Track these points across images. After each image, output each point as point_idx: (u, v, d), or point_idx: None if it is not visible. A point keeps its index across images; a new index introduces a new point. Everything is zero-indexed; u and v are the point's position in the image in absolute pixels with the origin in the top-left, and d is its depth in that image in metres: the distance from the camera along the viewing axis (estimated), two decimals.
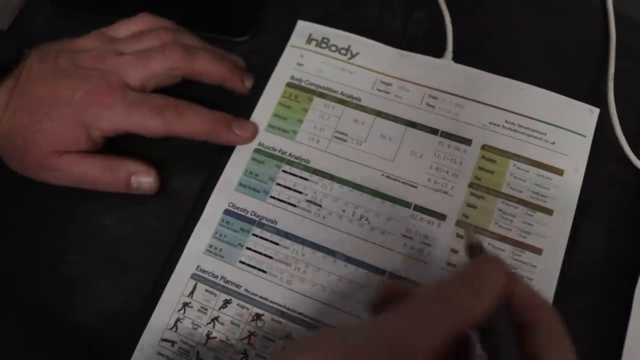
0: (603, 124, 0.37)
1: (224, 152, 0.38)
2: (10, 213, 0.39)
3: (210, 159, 0.38)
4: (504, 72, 0.38)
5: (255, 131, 0.38)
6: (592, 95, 0.38)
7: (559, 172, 0.36)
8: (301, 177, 0.37)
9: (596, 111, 0.37)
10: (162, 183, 0.38)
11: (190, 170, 0.39)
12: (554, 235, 0.34)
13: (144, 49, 0.37)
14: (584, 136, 0.36)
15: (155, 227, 0.38)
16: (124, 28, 0.39)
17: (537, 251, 0.34)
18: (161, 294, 0.35)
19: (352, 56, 0.40)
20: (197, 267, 0.35)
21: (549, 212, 0.35)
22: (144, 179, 0.37)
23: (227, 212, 0.36)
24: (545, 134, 0.37)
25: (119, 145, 0.38)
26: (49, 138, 0.35)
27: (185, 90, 0.38)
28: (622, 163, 0.36)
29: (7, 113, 0.36)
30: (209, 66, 0.38)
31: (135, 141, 0.37)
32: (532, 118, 0.37)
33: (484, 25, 0.41)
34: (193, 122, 0.36)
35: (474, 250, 0.26)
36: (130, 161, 0.37)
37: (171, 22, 0.40)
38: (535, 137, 0.37)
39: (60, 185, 0.37)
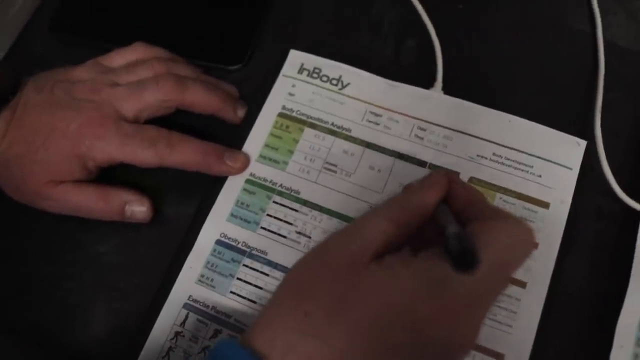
0: (590, 156, 0.37)
1: (216, 182, 0.39)
2: (7, 238, 0.40)
3: (204, 188, 0.39)
4: (493, 104, 0.39)
5: (247, 162, 0.38)
6: (580, 126, 0.38)
7: (545, 205, 0.36)
8: (291, 209, 0.37)
9: (583, 144, 0.37)
10: (156, 211, 0.39)
11: (184, 198, 0.39)
12: (538, 268, 0.35)
13: (138, 81, 0.38)
14: (570, 169, 0.37)
15: (149, 255, 0.38)
16: (119, 57, 0.40)
17: (522, 284, 0.34)
18: (154, 322, 0.36)
19: (343, 86, 0.40)
20: (189, 297, 0.36)
21: (534, 245, 0.35)
22: (138, 208, 0.38)
23: (218, 242, 0.37)
24: (532, 166, 0.37)
25: (113, 174, 0.38)
26: (44, 168, 0.36)
27: (179, 118, 0.39)
28: (608, 196, 0.37)
29: (4, 144, 0.37)
30: (201, 97, 0.38)
31: (130, 169, 0.37)
32: (519, 151, 0.37)
33: (474, 56, 0.42)
34: (185, 154, 0.37)
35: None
36: (124, 190, 0.38)
37: (165, 51, 0.41)
38: (522, 170, 0.37)
39: (57, 213, 0.38)
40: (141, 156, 0.36)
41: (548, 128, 0.38)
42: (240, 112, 0.40)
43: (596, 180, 0.37)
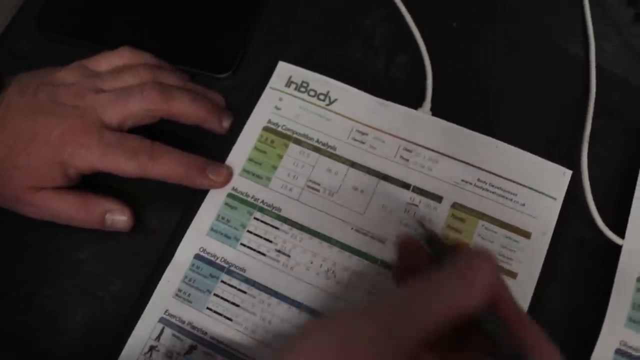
0: (575, 186, 0.37)
1: (198, 195, 0.38)
2: None
3: (187, 199, 0.39)
4: (481, 127, 0.38)
5: (229, 176, 0.38)
6: (567, 154, 0.38)
7: (527, 234, 0.36)
8: (272, 226, 0.37)
9: (568, 173, 0.37)
10: (138, 220, 0.38)
11: (167, 209, 0.39)
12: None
13: (123, 88, 0.37)
14: (555, 199, 0.37)
15: (129, 265, 0.38)
16: (105, 61, 0.39)
17: None
18: (129, 335, 0.35)
19: (331, 102, 0.40)
20: (166, 311, 0.36)
21: (513, 275, 0.35)
22: (118, 217, 0.38)
23: (197, 256, 0.37)
24: (516, 194, 0.37)
25: (96, 181, 0.38)
26: (25, 174, 0.36)
27: (164, 127, 0.38)
28: (590, 227, 0.36)
29: None
30: (186, 108, 0.38)
31: (112, 177, 0.37)
32: (504, 178, 0.37)
33: (465, 76, 0.41)
34: (167, 166, 0.36)
35: (433, 241, 0.28)
36: (105, 199, 0.37)
37: (152, 57, 0.40)
38: (506, 198, 0.37)
39: (37, 219, 0.38)
40: (123, 167, 0.36)
41: (534, 156, 0.37)
42: (226, 123, 0.40)
43: (579, 211, 0.37)
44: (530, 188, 0.37)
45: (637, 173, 0.37)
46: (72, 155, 0.36)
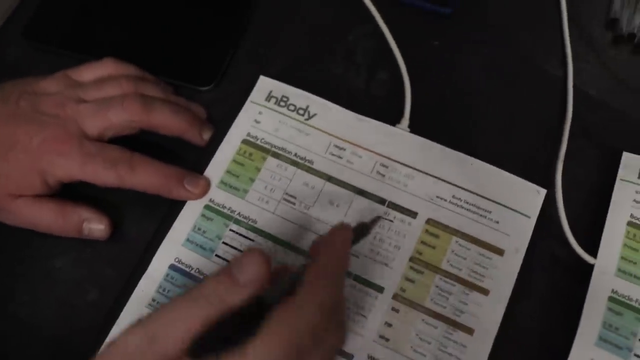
0: (549, 205, 0.37)
1: (175, 205, 0.38)
2: None
3: (164, 209, 0.39)
4: (458, 145, 0.39)
5: (206, 188, 0.38)
6: (542, 174, 0.38)
7: (500, 252, 0.36)
8: (247, 238, 0.37)
9: (543, 192, 0.37)
10: (115, 228, 0.39)
11: (145, 217, 0.39)
12: (487, 315, 0.35)
13: (104, 98, 0.38)
14: (528, 217, 0.37)
15: (105, 274, 0.38)
16: (88, 72, 0.40)
17: (469, 331, 0.35)
18: (102, 343, 0.35)
19: (310, 117, 0.40)
20: None
21: (485, 292, 0.35)
22: (96, 226, 0.38)
23: (172, 267, 0.37)
24: (491, 212, 0.37)
25: (75, 189, 0.38)
26: (3, 181, 0.36)
27: (145, 137, 0.39)
28: (563, 246, 0.36)
29: None
30: (167, 120, 0.38)
31: (91, 186, 0.37)
32: (479, 195, 0.37)
33: (443, 94, 0.42)
34: (145, 177, 0.37)
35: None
36: (84, 208, 0.38)
37: (136, 69, 0.41)
38: (480, 215, 0.37)
39: (13, 226, 0.38)
40: (102, 176, 0.36)
41: (509, 174, 0.38)
42: (206, 135, 0.40)
43: (553, 230, 0.37)
44: (505, 206, 0.37)
45: (611, 194, 0.37)
46: (51, 163, 0.36)
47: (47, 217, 0.37)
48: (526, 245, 0.36)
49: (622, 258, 0.36)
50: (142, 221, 0.39)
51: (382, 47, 0.43)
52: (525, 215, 0.37)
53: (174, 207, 0.38)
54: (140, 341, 0.25)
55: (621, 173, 0.38)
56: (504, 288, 0.35)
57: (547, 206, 0.37)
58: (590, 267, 0.36)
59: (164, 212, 0.39)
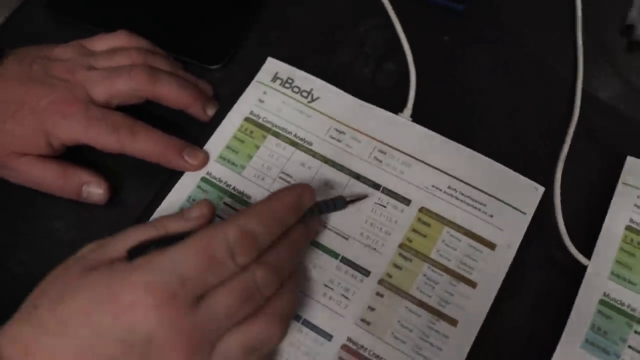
0: (546, 203, 0.37)
1: (173, 176, 0.39)
2: None
3: (164, 178, 0.39)
4: (459, 138, 0.38)
5: (205, 160, 0.39)
6: (542, 172, 0.38)
7: (491, 245, 0.36)
8: None
9: (541, 190, 0.37)
10: (115, 193, 0.39)
11: (144, 185, 0.40)
12: (473, 308, 0.34)
13: (113, 67, 0.39)
14: (524, 213, 0.36)
15: (102, 237, 0.39)
16: (101, 42, 0.41)
17: (453, 322, 0.34)
18: None
19: (313, 100, 0.40)
20: None
21: (472, 284, 0.35)
22: (95, 190, 0.38)
23: None
24: (485, 205, 0.37)
25: (80, 153, 0.39)
26: (10, 139, 0.37)
27: (151, 108, 0.40)
28: (557, 246, 0.36)
29: None
30: (172, 92, 0.39)
31: (94, 151, 0.38)
32: (475, 187, 0.37)
33: (449, 88, 0.41)
34: (145, 144, 0.37)
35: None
36: (85, 171, 0.39)
37: (148, 42, 0.42)
38: (474, 207, 0.37)
39: (16, 184, 0.39)
40: (104, 140, 0.37)
41: (507, 169, 0.37)
42: (210, 111, 0.41)
43: (548, 229, 0.36)
44: (501, 200, 0.37)
45: (610, 197, 0.36)
46: (56, 125, 0.37)
47: (48, 177, 0.38)
48: (519, 242, 0.36)
49: (617, 262, 0.35)
50: (140, 189, 0.40)
51: (392, 39, 0.43)
52: (521, 212, 0.36)
53: (173, 178, 0.39)
54: (91, 247, 0.32)
55: (624, 177, 0.37)
56: (493, 282, 0.35)
57: (545, 204, 0.37)
58: (583, 269, 0.35)
59: (162, 182, 0.39)
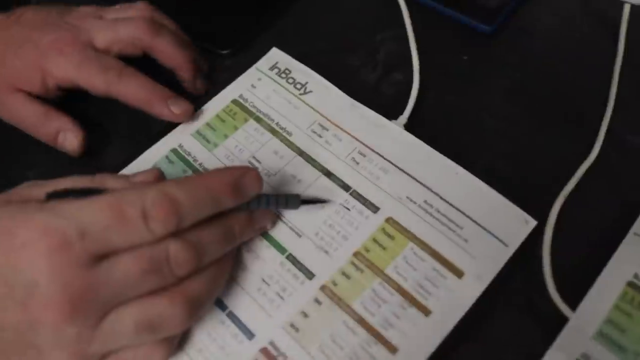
0: (535, 239, 0.31)
1: (143, 144, 0.38)
2: None
3: (139, 146, 0.38)
4: (452, 155, 0.34)
5: (188, 112, 0.38)
6: (538, 204, 0.32)
7: (459, 273, 0.30)
8: None
9: (532, 223, 0.31)
10: (86, 155, 0.38)
11: (118, 151, 0.39)
12: (419, 339, 0.29)
13: (121, 18, 0.39)
14: (506, 245, 0.31)
15: None
16: (122, 10, 0.42)
17: (392, 349, 0.29)
18: None
19: (305, 92, 0.38)
20: None
21: (426, 311, 0.29)
22: (71, 138, 0.38)
23: None
24: (462, 228, 0.32)
25: (76, 107, 0.39)
26: (8, 72, 0.38)
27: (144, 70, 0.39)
28: (538, 288, 0.30)
29: None
30: (168, 47, 0.38)
31: (86, 105, 0.38)
32: (453, 206, 0.32)
33: (456, 106, 0.38)
34: (131, 87, 0.37)
35: None
36: (66, 118, 0.38)
37: (164, 16, 0.42)
38: (449, 228, 0.32)
39: (4, 120, 0.39)
40: (93, 80, 0.37)
41: (497, 193, 0.32)
42: (199, 84, 0.40)
43: (531, 268, 0.31)
44: (481, 226, 0.32)
45: (614, 247, 0.30)
46: (51, 61, 0.37)
47: (32, 116, 0.38)
48: (493, 275, 0.30)
49: (609, 320, 0.28)
50: (114, 155, 0.39)
51: (407, 51, 0.40)
52: (503, 243, 0.31)
53: (142, 146, 0.38)
54: (28, 184, 0.30)
55: (638, 227, 0.31)
56: (451, 315, 0.29)
57: (533, 240, 0.31)
58: (564, 321, 0.29)
59: (138, 149, 0.38)
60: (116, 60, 0.38)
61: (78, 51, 0.37)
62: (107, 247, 0.25)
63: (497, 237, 0.31)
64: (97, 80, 0.37)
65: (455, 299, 0.30)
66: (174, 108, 0.37)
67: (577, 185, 0.33)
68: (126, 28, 0.38)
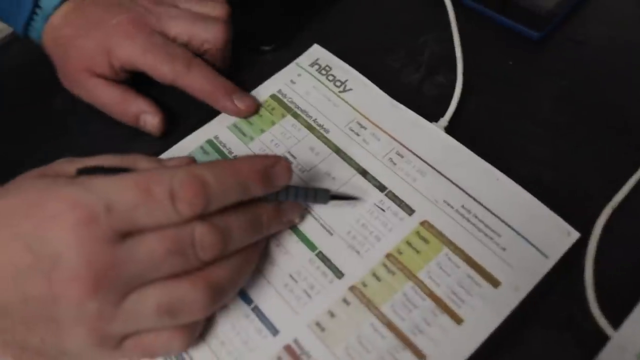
0: (577, 252, 0.30)
1: (182, 132, 0.38)
2: None
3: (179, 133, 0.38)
4: (493, 160, 0.33)
5: (253, 107, 0.38)
6: (583, 216, 0.31)
7: (495, 282, 0.29)
8: None
9: (574, 235, 0.30)
10: (123, 138, 0.38)
11: (158, 137, 0.39)
12: (450, 348, 0.28)
13: (195, 12, 0.39)
14: (546, 257, 0.29)
15: None
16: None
17: (421, 357, 0.27)
18: None
19: (344, 90, 0.38)
20: None
21: (458, 320, 0.28)
22: (150, 119, 0.38)
23: None
24: (500, 236, 0.30)
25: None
26: (79, 53, 0.38)
27: None
28: (578, 303, 0.28)
29: (61, 22, 0.39)
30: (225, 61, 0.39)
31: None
32: (492, 213, 0.31)
33: (499, 110, 0.36)
34: (198, 79, 0.37)
35: None
36: (144, 100, 0.38)
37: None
38: (486, 235, 0.30)
39: (88, 103, 0.39)
40: (159, 67, 0.37)
41: (539, 202, 0.31)
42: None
43: (573, 282, 0.29)
44: (521, 235, 0.30)
45: None
46: (118, 43, 0.37)
47: (111, 100, 0.38)
48: (531, 287, 0.29)
49: None
50: (149, 140, 0.38)
51: (451, 54, 0.39)
52: (543, 254, 0.30)
53: (177, 135, 0.38)
54: (63, 161, 0.30)
55: None
56: (484, 325, 0.28)
57: (575, 252, 0.30)
58: (604, 340, 0.27)
59: (173, 137, 0.38)
60: (184, 49, 0.37)
61: (144, 35, 0.37)
62: (133, 224, 0.25)
63: (536, 248, 0.30)
64: (163, 69, 0.36)
65: (489, 309, 0.28)
66: (239, 103, 0.37)
67: (626, 197, 0.31)
68: (205, 27, 0.38)
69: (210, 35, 0.38)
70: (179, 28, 0.38)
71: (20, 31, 0.40)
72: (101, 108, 0.39)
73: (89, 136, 0.40)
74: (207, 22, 0.38)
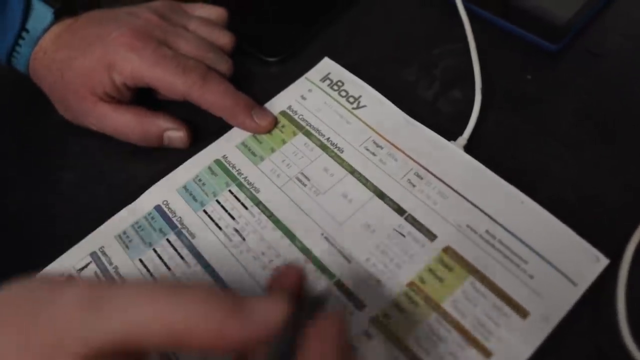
0: (607, 279, 0.29)
1: (188, 151, 0.36)
2: None
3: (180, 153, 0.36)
4: (515, 181, 0.32)
5: (272, 124, 0.36)
6: (611, 241, 0.30)
7: (523, 312, 0.28)
8: (242, 204, 0.33)
9: (604, 261, 0.29)
10: (126, 154, 0.36)
11: (156, 158, 0.36)
12: None
13: (205, 39, 0.37)
14: (575, 284, 0.28)
15: (99, 194, 0.36)
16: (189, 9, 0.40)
17: None
18: (57, 257, 0.33)
19: (358, 107, 0.36)
20: (100, 247, 0.33)
21: (487, 354, 0.27)
22: (175, 135, 0.36)
23: (157, 208, 0.34)
24: (527, 262, 0.29)
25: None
26: (77, 74, 0.35)
27: None
28: (610, 334, 0.27)
29: (53, 45, 0.36)
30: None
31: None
32: (518, 239, 0.30)
33: (518, 127, 0.35)
34: (215, 93, 0.35)
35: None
36: (161, 116, 0.36)
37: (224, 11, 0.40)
38: (513, 262, 0.29)
39: (99, 132, 0.36)
40: (170, 81, 0.34)
41: (566, 227, 0.30)
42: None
43: (603, 311, 0.28)
44: (548, 262, 0.29)
45: None
46: (122, 57, 0.34)
47: (126, 126, 0.35)
48: (560, 317, 0.28)
49: None
50: (156, 158, 0.37)
51: (467, 67, 0.38)
52: (572, 282, 0.28)
53: (186, 152, 0.36)
54: None
55: None
56: (513, 358, 0.27)
57: (606, 279, 0.29)
58: None
59: (176, 155, 0.36)
60: (197, 61, 0.35)
61: (152, 48, 0.34)
62: None
63: (565, 275, 0.29)
64: (175, 81, 0.34)
65: (518, 341, 0.27)
66: (258, 119, 0.35)
67: None
68: (214, 58, 0.36)
69: (216, 67, 0.36)
70: (188, 48, 0.35)
71: (3, 58, 0.37)
72: (114, 135, 0.36)
73: (87, 152, 0.38)
74: (216, 53, 0.37)
